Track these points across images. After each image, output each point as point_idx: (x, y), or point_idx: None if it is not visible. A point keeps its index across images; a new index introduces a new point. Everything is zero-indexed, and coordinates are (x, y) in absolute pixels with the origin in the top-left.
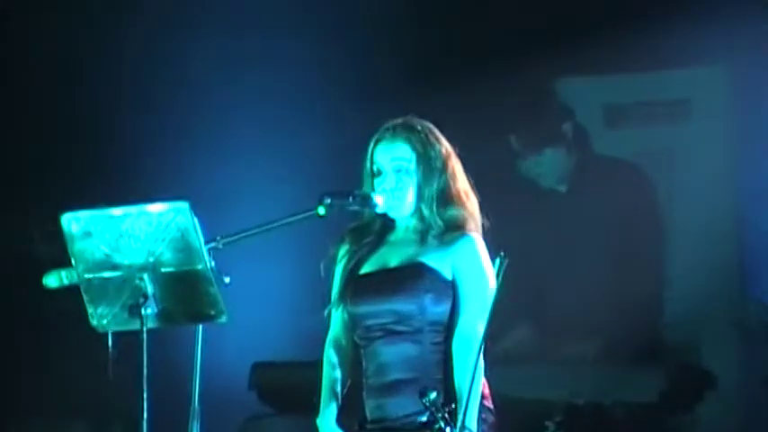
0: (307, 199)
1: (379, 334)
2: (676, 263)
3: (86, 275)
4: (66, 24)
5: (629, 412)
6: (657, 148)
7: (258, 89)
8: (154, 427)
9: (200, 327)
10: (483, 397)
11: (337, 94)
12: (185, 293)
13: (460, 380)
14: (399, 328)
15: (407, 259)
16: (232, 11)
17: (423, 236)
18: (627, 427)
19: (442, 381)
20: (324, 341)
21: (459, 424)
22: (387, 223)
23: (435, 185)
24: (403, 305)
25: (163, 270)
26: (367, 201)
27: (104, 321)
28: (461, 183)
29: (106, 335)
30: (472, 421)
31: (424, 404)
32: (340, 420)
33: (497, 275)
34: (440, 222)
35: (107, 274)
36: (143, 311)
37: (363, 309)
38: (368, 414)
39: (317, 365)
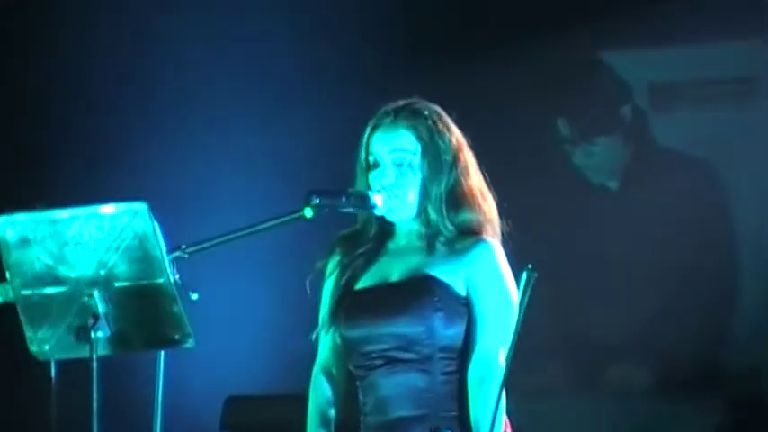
0: (290, 199)
1: (378, 362)
2: (741, 276)
3: (24, 291)
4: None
5: None
6: (712, 136)
7: (230, 74)
8: None
9: (162, 353)
10: None
11: (324, 74)
12: (144, 313)
13: (478, 417)
14: (404, 355)
15: (412, 271)
16: None
17: (430, 243)
18: None
19: (456, 418)
20: (311, 370)
21: None
22: (385, 228)
23: (444, 183)
24: (408, 327)
25: (117, 284)
26: (364, 201)
27: (46, 347)
28: (475, 180)
29: (48, 363)
30: None
31: None
32: None
33: (523, 292)
34: (450, 227)
35: (49, 290)
36: (93, 335)
37: (360, 332)
38: None
39: (302, 400)
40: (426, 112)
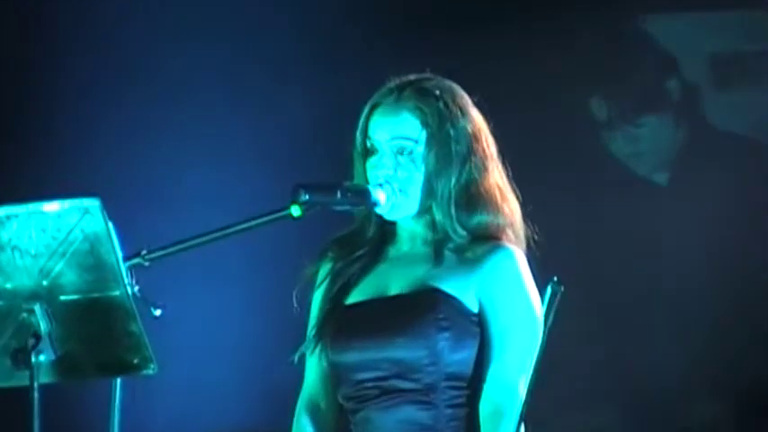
0: (274, 194)
1: (373, 393)
2: None
3: None
4: None
5: None
6: None
7: (201, 54)
8: None
9: (119, 381)
10: None
11: (318, 47)
12: (96, 332)
13: None
14: (403, 384)
15: (415, 283)
16: None
17: (437, 250)
18: None
19: None
20: (296, 403)
21: None
22: (386, 230)
23: (454, 179)
24: (408, 351)
25: (63, 298)
26: (363, 197)
27: None
28: (495, 176)
29: None
30: None
31: None
32: None
33: (547, 309)
34: (462, 231)
35: None
36: (33, 359)
37: (351, 356)
38: None
39: None
40: (437, 92)
